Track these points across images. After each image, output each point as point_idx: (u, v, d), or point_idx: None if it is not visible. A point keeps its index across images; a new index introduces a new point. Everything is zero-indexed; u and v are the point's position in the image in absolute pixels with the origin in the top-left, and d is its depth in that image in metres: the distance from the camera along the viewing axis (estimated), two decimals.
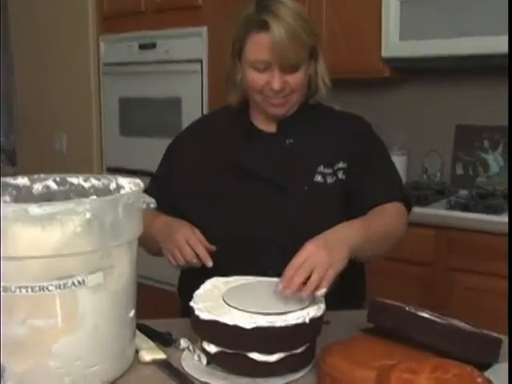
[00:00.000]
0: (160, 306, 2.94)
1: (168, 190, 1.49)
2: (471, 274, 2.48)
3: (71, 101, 3.47)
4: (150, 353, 1.14)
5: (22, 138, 3.79)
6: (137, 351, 1.14)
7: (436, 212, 2.57)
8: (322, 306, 1.10)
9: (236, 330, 1.02)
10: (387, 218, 1.36)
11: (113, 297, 1.04)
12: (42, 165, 3.50)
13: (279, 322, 1.02)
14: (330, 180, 1.39)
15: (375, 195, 1.39)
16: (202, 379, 1.07)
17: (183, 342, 1.18)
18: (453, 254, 2.52)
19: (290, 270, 1.11)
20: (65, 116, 3.52)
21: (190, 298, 1.15)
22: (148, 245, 1.40)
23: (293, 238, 1.34)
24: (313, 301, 1.10)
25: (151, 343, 1.18)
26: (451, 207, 2.58)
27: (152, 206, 1.11)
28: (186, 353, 1.16)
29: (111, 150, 3.37)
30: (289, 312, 1.06)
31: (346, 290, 1.32)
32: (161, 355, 1.14)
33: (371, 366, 0.99)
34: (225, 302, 1.10)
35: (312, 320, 1.05)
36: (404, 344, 1.06)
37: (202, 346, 1.10)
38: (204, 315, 1.05)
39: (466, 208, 2.55)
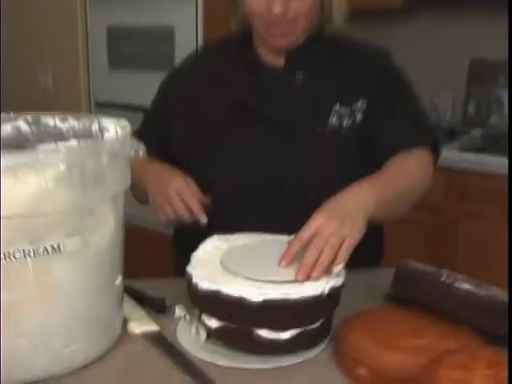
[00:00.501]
0: (153, 250, 2.82)
1: (161, 133, 1.30)
2: (483, 220, 2.35)
3: (56, 31, 3.22)
4: (141, 324, 0.99)
5: (8, 75, 3.56)
6: (125, 321, 0.99)
7: (447, 154, 2.40)
8: (343, 273, 0.94)
9: (242, 303, 0.86)
10: (409, 169, 1.17)
11: (94, 263, 0.87)
12: (28, 102, 3.29)
13: (294, 293, 0.86)
14: (346, 122, 1.21)
15: (397, 140, 1.21)
16: (200, 356, 0.91)
17: (179, 310, 1.02)
18: (464, 199, 2.38)
19: (295, 244, 0.94)
20: (50, 48, 3.27)
21: (187, 254, 0.99)
22: (137, 193, 1.23)
23: (305, 190, 1.18)
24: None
25: (142, 312, 1.02)
26: (464, 149, 2.41)
27: (141, 153, 0.93)
28: (181, 323, 1.00)
29: (100, 83, 3.15)
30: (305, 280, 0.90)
31: (362, 246, 1.15)
32: (153, 327, 0.98)
33: (400, 347, 0.84)
34: (225, 267, 0.93)
35: (332, 290, 0.89)
36: (433, 316, 0.91)
37: (200, 319, 0.94)
38: (203, 284, 0.89)
39: (479, 150, 2.40)
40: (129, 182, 0.93)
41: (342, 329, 0.91)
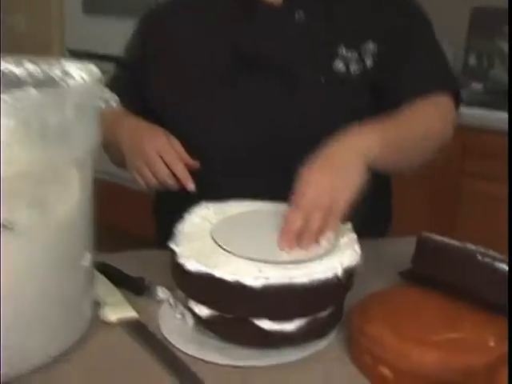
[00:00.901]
0: (136, 211, 2.65)
1: (139, 82, 1.12)
2: (486, 180, 2.21)
3: None
4: (117, 310, 0.83)
5: None
6: (98, 306, 0.83)
7: None
8: (357, 249, 0.78)
9: (238, 288, 0.70)
10: (427, 116, 1.01)
11: (56, 240, 0.71)
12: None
13: (301, 276, 0.71)
14: (354, 68, 1.03)
15: (414, 86, 1.04)
16: (187, 351, 0.76)
17: (161, 292, 0.86)
18: (466, 157, 2.23)
19: (292, 217, 0.79)
20: None
21: (170, 223, 0.83)
22: (111, 155, 1.06)
23: (307, 149, 1.01)
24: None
25: (118, 295, 0.86)
26: (466, 103, 2.25)
27: (113, 104, 0.76)
28: (164, 308, 0.85)
29: (73, 30, 2.92)
30: (313, 260, 0.74)
31: (368, 210, 1.00)
32: (130, 313, 0.83)
33: (432, 341, 0.69)
34: (217, 243, 0.77)
35: (346, 271, 0.74)
36: (464, 301, 0.76)
37: (187, 305, 0.79)
38: (190, 265, 0.73)
39: (481, 104, 2.24)
40: (99, 139, 0.76)
41: (358, 317, 0.75)
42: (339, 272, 0.73)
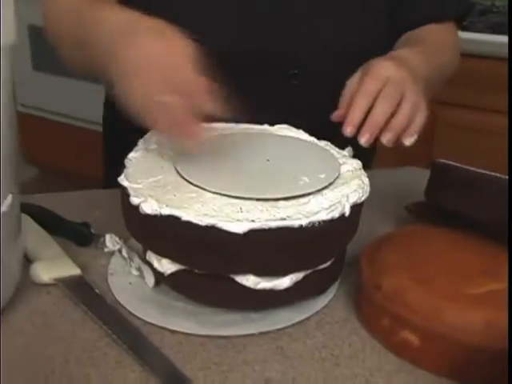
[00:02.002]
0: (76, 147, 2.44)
1: None
2: (466, 109, 2.06)
3: None
4: (53, 266, 0.63)
5: None
6: (29, 262, 0.64)
7: None
8: (365, 180, 0.61)
9: (213, 234, 0.51)
10: (444, 45, 0.91)
11: None
12: None
13: (297, 217, 0.53)
14: None
15: (430, 9, 0.91)
16: (148, 318, 0.58)
17: (111, 242, 0.68)
18: (445, 85, 2.07)
19: (360, 100, 0.64)
20: None
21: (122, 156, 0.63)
22: (78, 59, 0.76)
23: (320, 57, 0.85)
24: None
25: (55, 247, 0.67)
26: None
27: None
28: (115, 261, 0.66)
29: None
30: (311, 194, 0.56)
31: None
32: (71, 269, 0.64)
33: (470, 296, 0.53)
34: (182, 177, 0.58)
35: (353, 210, 0.56)
36: (495, 238, 0.60)
37: (146, 259, 0.60)
38: (148, 206, 0.54)
39: (462, 27, 2.07)
40: (15, 31, 0.55)
41: (369, 268, 0.58)
42: (346, 210, 0.55)
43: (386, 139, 0.63)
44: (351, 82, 0.68)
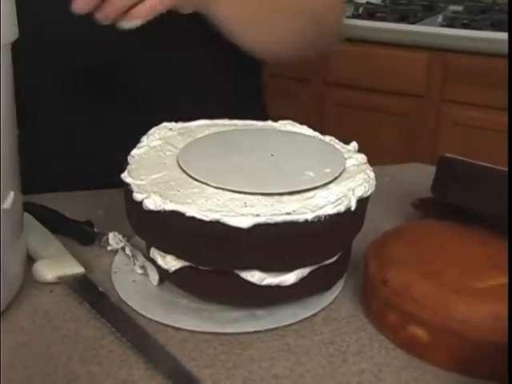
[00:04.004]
0: None
1: None
2: (467, 106, 2.06)
3: None
4: (56, 265, 0.63)
5: None
6: (32, 261, 0.63)
7: (429, 30, 2.08)
8: (370, 174, 0.60)
9: (218, 230, 0.51)
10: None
11: None
12: None
13: (302, 211, 0.52)
14: None
15: None
16: (152, 315, 0.57)
17: (114, 240, 0.67)
18: (447, 81, 2.07)
19: None
20: None
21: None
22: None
23: None
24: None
25: (58, 245, 0.66)
26: (447, 24, 2.08)
27: None
28: (119, 259, 0.66)
29: None
30: (317, 188, 0.55)
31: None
32: (74, 268, 0.63)
33: (479, 289, 0.52)
34: (186, 173, 0.58)
35: (359, 204, 0.56)
36: (502, 232, 0.59)
37: (150, 256, 0.60)
38: (152, 202, 0.53)
39: (465, 25, 2.08)
40: (15, 30, 0.55)
41: (376, 263, 0.57)
42: (352, 203, 0.54)
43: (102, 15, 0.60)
44: None
